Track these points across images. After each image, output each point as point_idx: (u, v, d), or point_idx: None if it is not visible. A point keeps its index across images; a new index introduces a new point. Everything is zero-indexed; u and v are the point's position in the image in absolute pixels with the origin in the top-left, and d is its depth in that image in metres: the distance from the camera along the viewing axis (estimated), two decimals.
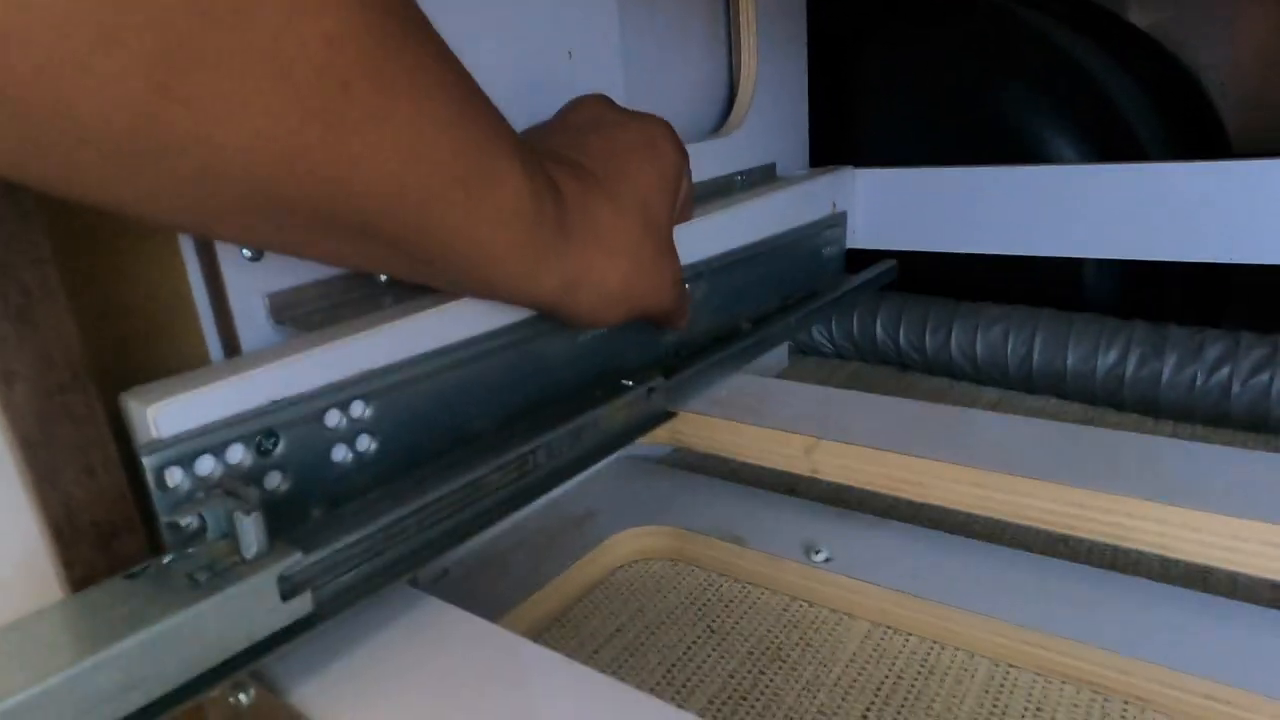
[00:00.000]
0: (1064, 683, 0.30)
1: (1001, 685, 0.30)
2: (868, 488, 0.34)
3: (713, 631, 0.35)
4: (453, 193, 0.22)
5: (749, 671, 0.32)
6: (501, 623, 0.34)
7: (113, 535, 0.20)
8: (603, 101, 0.35)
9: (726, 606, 0.36)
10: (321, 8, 0.16)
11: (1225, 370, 0.44)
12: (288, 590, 0.21)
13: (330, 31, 0.17)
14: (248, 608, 0.20)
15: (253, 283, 0.29)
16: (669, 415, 0.38)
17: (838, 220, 0.56)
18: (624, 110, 0.34)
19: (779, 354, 0.63)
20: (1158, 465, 0.29)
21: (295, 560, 0.21)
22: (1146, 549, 0.28)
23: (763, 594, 0.37)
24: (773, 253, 0.49)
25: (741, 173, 0.54)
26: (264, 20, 0.15)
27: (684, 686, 0.32)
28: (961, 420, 0.34)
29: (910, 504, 0.42)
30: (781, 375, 0.62)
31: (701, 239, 0.42)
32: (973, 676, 0.31)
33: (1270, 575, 0.25)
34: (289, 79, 0.16)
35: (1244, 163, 0.48)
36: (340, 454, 0.27)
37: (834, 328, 0.61)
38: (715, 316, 0.45)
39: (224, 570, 0.20)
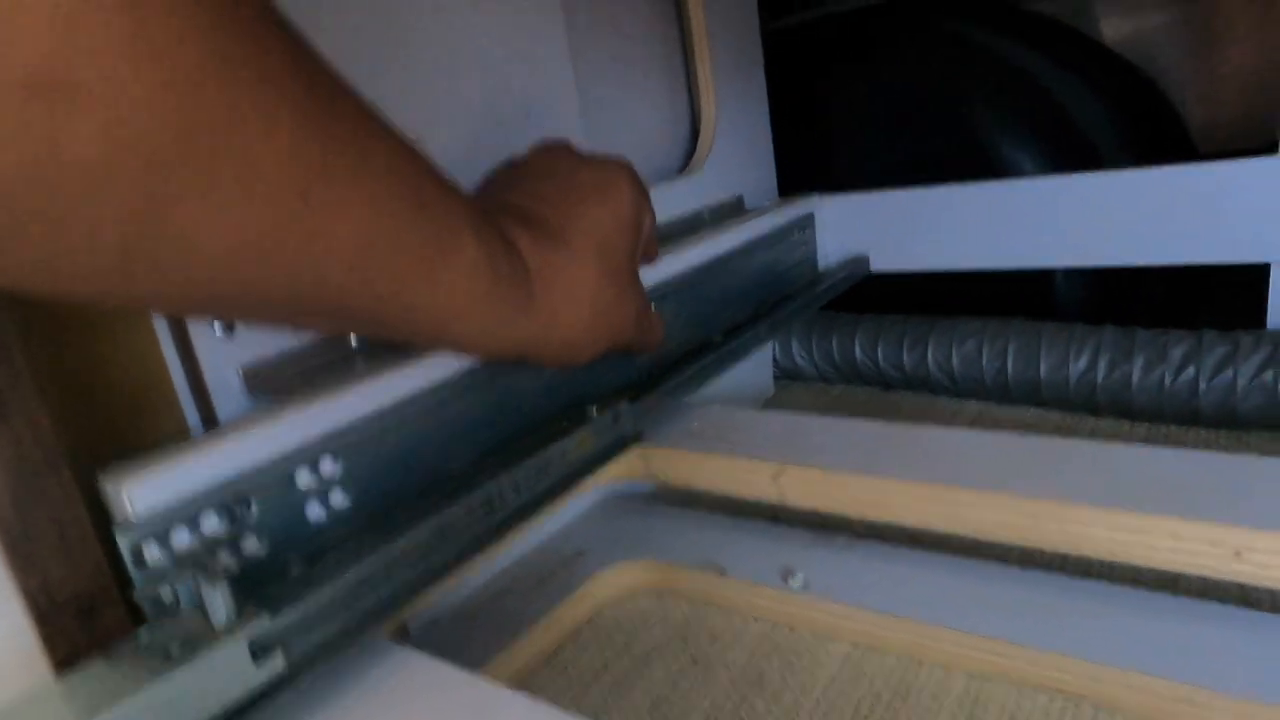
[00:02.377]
0: (1037, 692, 0.31)
1: (976, 698, 0.31)
2: (833, 511, 0.35)
3: (696, 662, 0.36)
4: (412, 268, 0.24)
5: (730, 700, 0.33)
6: (492, 666, 0.35)
7: (92, 610, 0.22)
8: (563, 147, 0.36)
9: (710, 637, 0.37)
10: (276, 124, 0.18)
11: (1191, 369, 0.44)
12: (259, 653, 0.22)
13: (285, 147, 0.18)
14: (219, 674, 0.21)
15: (226, 357, 0.30)
16: (638, 437, 0.39)
17: (805, 223, 0.57)
18: (582, 155, 0.36)
19: (764, 381, 0.64)
20: (1104, 471, 0.30)
21: (263, 624, 0.22)
22: (1097, 555, 0.28)
23: (745, 622, 0.38)
24: (739, 264, 0.50)
25: (709, 208, 0.56)
26: (232, 147, 0.17)
27: None
28: (921, 438, 0.35)
29: (888, 522, 0.42)
30: (768, 402, 0.63)
31: (667, 266, 0.44)
32: (949, 691, 0.32)
33: (1207, 573, 0.26)
34: (254, 197, 0.18)
35: (1202, 165, 0.49)
36: (314, 511, 0.28)
37: (815, 351, 0.62)
38: (686, 332, 0.46)
39: (196, 640, 0.21)
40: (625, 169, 0.35)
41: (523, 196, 0.32)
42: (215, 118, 0.16)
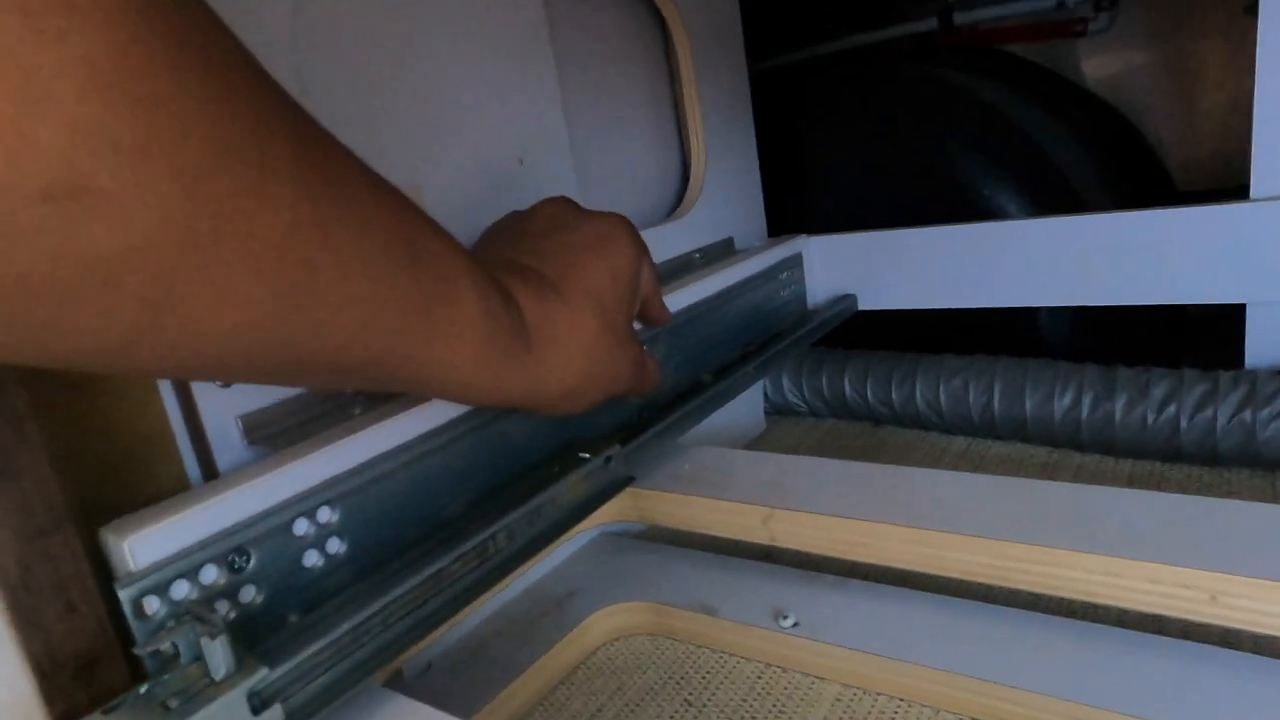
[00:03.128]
0: None
1: None
2: (822, 553, 0.35)
3: (689, 704, 0.36)
4: (411, 323, 0.24)
5: None
6: (486, 711, 0.36)
7: (94, 666, 0.22)
8: (563, 204, 0.37)
9: (703, 678, 0.37)
10: (277, 202, 0.18)
11: (1172, 408, 0.45)
12: (258, 705, 0.23)
13: (288, 222, 0.19)
14: None
15: (225, 407, 0.31)
16: (629, 480, 0.40)
17: (794, 262, 0.58)
18: (582, 211, 0.36)
19: (756, 417, 0.65)
20: (1083, 514, 0.31)
21: (262, 676, 0.22)
22: (1076, 597, 0.29)
23: (738, 663, 0.38)
24: (729, 305, 0.51)
25: (700, 250, 0.57)
26: (236, 231, 0.17)
27: None
28: (907, 480, 0.36)
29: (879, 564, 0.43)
30: (759, 437, 0.64)
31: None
32: None
33: (1184, 615, 0.27)
34: (260, 271, 0.18)
35: (1180, 210, 0.50)
36: (312, 559, 0.29)
37: (805, 387, 0.63)
38: (677, 373, 0.47)
39: (196, 694, 0.21)
40: (621, 223, 0.36)
41: (522, 252, 0.33)
42: (220, 206, 0.17)
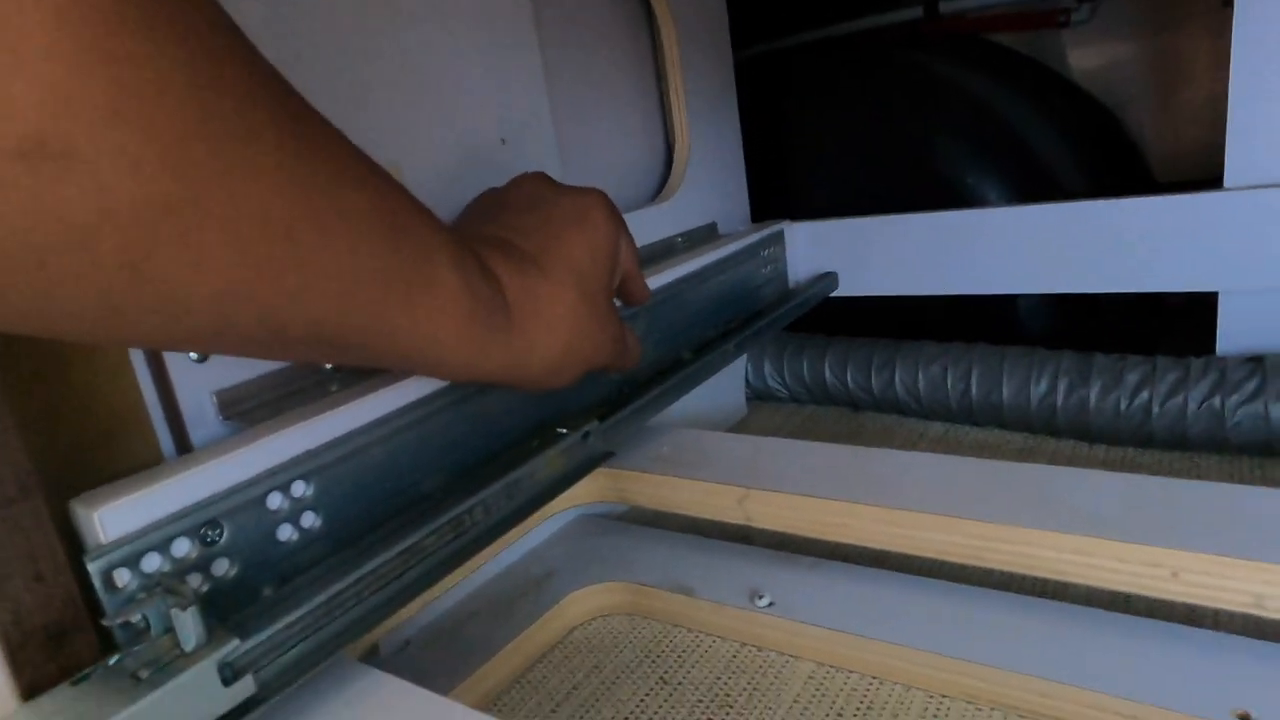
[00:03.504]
0: (993, 709, 0.32)
1: (935, 716, 0.32)
2: (797, 533, 0.35)
3: (665, 682, 0.36)
4: (391, 297, 0.24)
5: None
6: (463, 688, 0.36)
7: (62, 637, 0.22)
8: (540, 179, 0.37)
9: (679, 657, 0.38)
10: (259, 172, 0.18)
11: (1145, 394, 0.46)
12: (229, 676, 0.23)
13: (269, 192, 0.19)
14: (190, 698, 0.21)
15: (200, 382, 0.30)
16: (607, 455, 0.40)
17: (774, 239, 0.59)
18: (560, 186, 0.36)
19: (737, 402, 0.65)
20: (1053, 495, 0.31)
21: (234, 647, 0.22)
22: (1046, 576, 0.29)
23: (713, 642, 0.38)
24: (709, 285, 0.51)
25: (683, 234, 0.57)
26: (211, 197, 0.17)
27: None
28: (881, 462, 0.36)
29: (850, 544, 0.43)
30: (741, 422, 0.64)
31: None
32: (909, 709, 0.32)
33: (1148, 593, 0.27)
34: (239, 240, 0.18)
35: (1155, 198, 0.51)
36: (286, 533, 0.29)
37: (786, 373, 0.63)
38: (657, 350, 0.47)
39: (166, 665, 0.21)
40: (599, 197, 0.36)
41: (501, 227, 0.33)
42: (200, 174, 0.17)
